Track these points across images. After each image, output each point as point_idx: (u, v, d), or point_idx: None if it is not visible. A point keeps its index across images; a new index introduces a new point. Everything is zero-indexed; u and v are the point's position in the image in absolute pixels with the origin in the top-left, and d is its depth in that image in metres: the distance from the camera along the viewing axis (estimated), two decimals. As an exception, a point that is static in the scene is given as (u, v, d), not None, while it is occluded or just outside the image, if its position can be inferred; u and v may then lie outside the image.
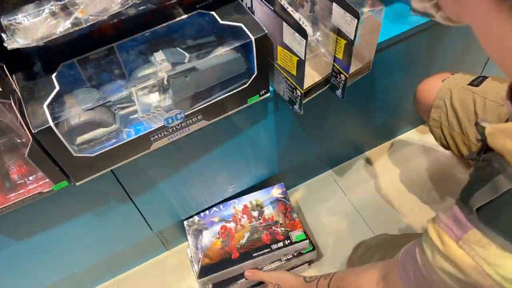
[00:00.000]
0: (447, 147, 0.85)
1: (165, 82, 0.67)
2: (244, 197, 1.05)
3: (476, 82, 0.80)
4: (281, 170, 1.06)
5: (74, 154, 0.63)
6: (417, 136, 1.28)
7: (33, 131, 0.56)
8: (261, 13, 0.69)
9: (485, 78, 0.80)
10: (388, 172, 1.22)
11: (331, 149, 1.15)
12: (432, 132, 0.86)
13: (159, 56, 0.68)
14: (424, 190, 1.17)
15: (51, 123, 0.57)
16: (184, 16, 0.71)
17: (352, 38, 0.65)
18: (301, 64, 0.67)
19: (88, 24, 0.56)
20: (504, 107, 0.74)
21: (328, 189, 1.20)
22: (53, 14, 0.54)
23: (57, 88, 0.61)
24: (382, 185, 1.19)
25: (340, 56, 0.71)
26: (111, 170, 0.73)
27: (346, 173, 1.23)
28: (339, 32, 0.68)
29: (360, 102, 0.99)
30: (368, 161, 1.25)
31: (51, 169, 0.63)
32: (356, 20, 0.62)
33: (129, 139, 0.67)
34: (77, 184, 0.68)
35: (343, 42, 0.68)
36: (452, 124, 0.80)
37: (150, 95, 0.69)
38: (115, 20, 0.67)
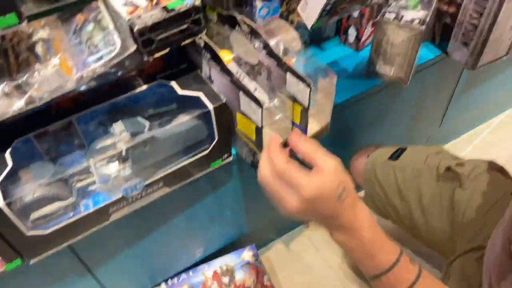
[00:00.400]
0: (384, 216, 0.87)
1: (124, 153, 0.67)
2: (214, 261, 1.02)
3: (395, 156, 0.83)
4: (251, 230, 1.04)
5: (27, 234, 0.61)
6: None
7: (-19, 213, 0.54)
8: (220, 82, 0.71)
9: (403, 150, 0.84)
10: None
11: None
12: (366, 204, 0.88)
13: (118, 126, 0.68)
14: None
15: (2, 203, 0.55)
16: (144, 87, 0.72)
17: (306, 106, 0.68)
18: (259, 130, 0.68)
19: (42, 102, 0.57)
20: (420, 177, 0.78)
21: (300, 246, 1.18)
22: (6, 94, 0.55)
23: (10, 165, 0.60)
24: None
25: (297, 121, 0.73)
26: (68, 245, 0.70)
27: (318, 229, 1.22)
28: (294, 99, 0.70)
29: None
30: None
31: (2, 249, 0.60)
32: (309, 89, 0.65)
33: (86, 212, 0.66)
34: (31, 262, 0.65)
35: (299, 108, 0.70)
36: (380, 198, 0.83)
37: (109, 165, 0.69)
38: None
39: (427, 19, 0.79)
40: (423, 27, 0.78)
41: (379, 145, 0.89)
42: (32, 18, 0.52)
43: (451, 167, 0.76)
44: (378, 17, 0.81)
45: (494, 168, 0.77)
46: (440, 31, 0.95)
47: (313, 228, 1.22)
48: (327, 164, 0.49)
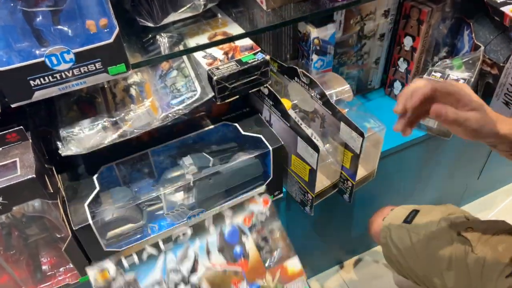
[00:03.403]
0: (405, 277, 0.88)
1: (191, 183, 0.75)
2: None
3: (409, 219, 0.84)
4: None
5: (105, 249, 0.69)
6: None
7: (74, 228, 0.62)
8: (278, 126, 0.79)
9: (417, 212, 0.85)
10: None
11: (339, 247, 1.19)
12: (390, 265, 0.89)
13: (187, 160, 0.77)
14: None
15: (91, 221, 0.64)
16: (211, 127, 0.81)
17: (358, 153, 0.74)
18: (313, 172, 0.75)
19: (133, 136, 0.66)
20: (434, 240, 0.79)
21: (334, 286, 1.21)
22: (104, 128, 0.64)
23: (98, 188, 0.69)
24: (386, 283, 1.21)
25: (347, 165, 0.80)
26: (133, 263, 0.77)
27: (353, 270, 1.25)
28: (346, 146, 0.77)
29: (366, 205, 1.06)
30: (374, 259, 1.27)
31: (82, 262, 0.68)
32: (361, 138, 0.72)
33: (153, 235, 0.73)
34: (102, 276, 0.72)
35: (350, 154, 0.77)
36: (398, 260, 0.84)
37: (176, 194, 0.77)
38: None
39: (472, 80, 0.85)
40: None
41: (394, 206, 0.90)
42: (135, 66, 0.63)
43: (460, 233, 0.77)
44: (425, 74, 0.88)
45: (506, 229, 0.78)
46: (482, 89, 1.01)
47: (348, 269, 1.25)
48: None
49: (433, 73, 0.88)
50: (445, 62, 0.92)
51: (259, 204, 0.68)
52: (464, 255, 0.76)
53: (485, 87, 1.00)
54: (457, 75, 0.87)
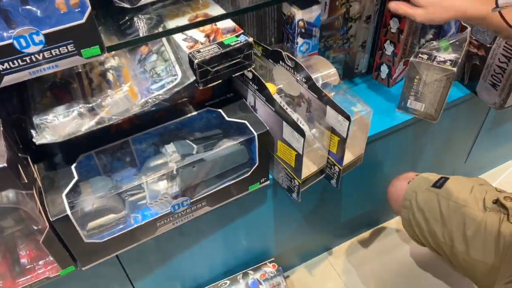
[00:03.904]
0: (420, 243, 0.89)
1: (174, 171, 0.73)
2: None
3: (439, 184, 0.85)
4: (277, 252, 1.08)
5: (85, 240, 0.66)
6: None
7: (51, 219, 0.60)
8: (263, 111, 0.77)
9: (446, 179, 0.86)
10: (383, 255, 1.24)
11: (327, 233, 1.18)
12: (406, 231, 0.91)
13: (170, 148, 0.74)
14: (421, 275, 1.19)
15: (69, 212, 0.61)
16: (194, 113, 0.78)
17: (345, 137, 0.73)
18: (299, 158, 0.73)
19: (111, 122, 0.63)
20: (466, 207, 0.80)
21: (323, 272, 1.21)
22: (80, 115, 0.61)
23: (76, 178, 0.66)
24: (376, 268, 1.21)
25: (334, 150, 0.78)
26: (116, 255, 0.75)
27: (342, 256, 1.25)
28: (333, 130, 0.76)
29: (353, 190, 1.05)
30: (362, 245, 1.27)
31: (61, 255, 0.66)
32: (348, 122, 0.70)
33: (136, 225, 0.71)
34: (83, 269, 0.70)
35: (336, 139, 0.76)
36: (419, 224, 0.85)
37: (159, 183, 0.75)
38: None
39: (459, 61, 0.84)
40: (455, 68, 0.83)
41: (418, 172, 0.91)
42: (111, 49, 0.60)
43: (499, 200, 0.78)
44: (412, 57, 0.87)
45: None
46: (469, 71, 1.00)
47: (337, 255, 1.25)
48: None
49: (419, 55, 0.86)
50: (432, 43, 0.90)
51: (270, 267, 1.07)
52: (498, 222, 0.77)
53: (472, 68, 0.99)
54: (444, 57, 0.85)
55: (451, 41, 0.90)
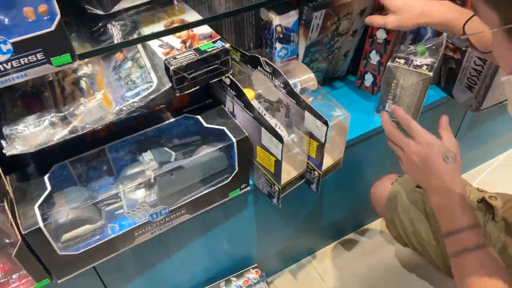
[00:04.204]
0: (404, 244, 0.89)
1: (152, 180, 0.71)
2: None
3: None
4: (259, 258, 1.07)
5: (59, 253, 0.65)
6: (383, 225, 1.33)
7: (23, 232, 0.58)
8: (242, 117, 0.77)
9: None
10: (367, 257, 1.24)
11: (309, 237, 1.18)
12: (390, 232, 0.91)
13: (147, 156, 0.73)
14: (406, 276, 1.20)
15: (41, 224, 0.59)
16: (172, 120, 0.77)
17: (323, 142, 0.73)
18: (278, 163, 0.73)
19: (84, 131, 0.62)
20: None
21: (307, 277, 1.21)
22: (52, 124, 0.60)
23: (49, 189, 0.64)
24: (360, 271, 1.21)
25: (313, 155, 0.78)
26: (93, 266, 0.74)
27: (325, 260, 1.25)
28: (311, 135, 0.76)
29: (335, 194, 1.05)
30: (346, 248, 1.28)
31: (35, 268, 0.64)
32: (326, 127, 0.70)
33: (113, 235, 0.70)
34: (59, 281, 0.69)
35: (315, 144, 0.76)
36: (404, 224, 0.85)
37: (137, 192, 0.73)
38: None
39: (435, 66, 0.85)
40: (431, 73, 0.84)
41: (400, 174, 0.91)
42: (82, 57, 0.58)
43: (485, 199, 0.78)
44: (389, 61, 0.88)
45: None
46: (445, 74, 1.01)
47: (320, 258, 1.25)
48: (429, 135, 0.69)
49: (397, 59, 0.87)
50: (409, 48, 0.91)
51: (253, 273, 1.06)
52: (483, 222, 0.77)
53: (448, 71, 1.00)
54: (421, 61, 0.86)
55: (427, 45, 0.91)
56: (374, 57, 0.97)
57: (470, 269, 0.60)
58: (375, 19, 0.81)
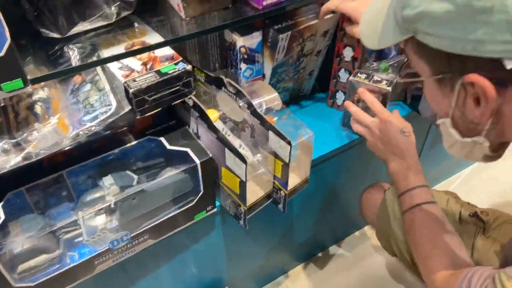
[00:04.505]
0: (393, 254, 0.90)
1: (112, 205, 0.69)
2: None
3: None
4: (231, 280, 1.05)
5: (14, 285, 0.61)
6: (358, 239, 1.34)
7: (-29, 266, 0.55)
8: (206, 138, 0.76)
9: None
10: (340, 273, 1.24)
11: (282, 256, 1.17)
12: (379, 240, 0.91)
13: (107, 180, 0.71)
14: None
15: (-8, 256, 0.57)
16: (134, 142, 0.76)
17: (287, 161, 0.73)
18: (243, 184, 0.72)
19: (39, 157, 0.60)
20: None
21: (281, 297, 1.19)
22: (5, 151, 0.58)
23: (2, 218, 0.61)
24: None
25: (279, 175, 0.78)
26: (52, 297, 0.70)
27: (299, 278, 1.23)
28: (276, 155, 0.76)
29: (305, 212, 1.05)
30: (321, 264, 1.27)
31: (-13, 303, 0.60)
32: (289, 147, 0.70)
33: (73, 264, 0.67)
34: (14, 315, 0.65)
35: (280, 163, 0.75)
36: (395, 233, 0.85)
37: (96, 218, 0.71)
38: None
39: (394, 81, 0.87)
40: (390, 88, 0.86)
41: (390, 182, 0.90)
42: (35, 81, 0.57)
43: (477, 213, 0.79)
44: (351, 76, 0.90)
45: None
46: (411, 91, 1.04)
47: (294, 277, 1.23)
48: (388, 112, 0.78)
49: (358, 74, 0.89)
50: (372, 65, 0.93)
51: None
52: (473, 236, 0.78)
53: (414, 88, 1.03)
54: (381, 77, 0.88)
55: (390, 63, 0.93)
56: (343, 75, 0.98)
57: (417, 220, 0.70)
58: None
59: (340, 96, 1.02)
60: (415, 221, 0.71)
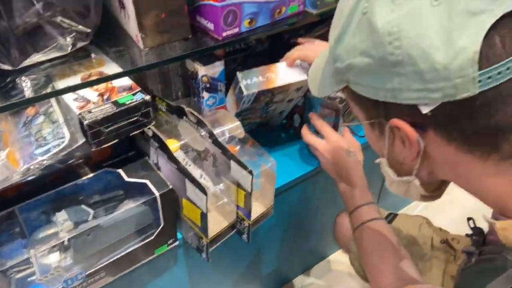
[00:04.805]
0: (365, 279, 0.89)
1: (66, 242, 0.66)
2: None
3: (388, 220, 0.89)
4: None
5: (-47, 334, 0.57)
6: (326, 268, 1.33)
7: None
8: (166, 169, 0.75)
9: (395, 215, 0.90)
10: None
11: (252, 287, 1.14)
12: (352, 264, 0.90)
13: (61, 216, 0.68)
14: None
15: None
16: (90, 175, 0.74)
17: (250, 191, 0.72)
18: (204, 216, 0.71)
19: (-15, 194, 0.57)
20: (415, 245, 0.84)
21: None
22: None
23: None
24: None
25: (242, 204, 0.77)
26: None
27: (268, 309, 1.21)
28: (238, 184, 0.75)
29: (268, 242, 1.03)
30: (289, 294, 1.25)
31: None
32: (251, 176, 0.70)
33: (22, 306, 0.63)
34: None
35: (242, 193, 0.75)
36: None
37: (50, 256, 0.68)
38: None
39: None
40: (341, 104, 0.87)
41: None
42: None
43: (448, 240, 0.81)
44: (308, 93, 0.91)
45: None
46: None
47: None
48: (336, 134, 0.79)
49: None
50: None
51: None
52: (444, 262, 0.79)
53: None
54: (335, 95, 0.90)
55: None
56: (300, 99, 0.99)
57: (365, 236, 0.71)
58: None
59: (296, 118, 1.03)
60: (363, 237, 0.72)
